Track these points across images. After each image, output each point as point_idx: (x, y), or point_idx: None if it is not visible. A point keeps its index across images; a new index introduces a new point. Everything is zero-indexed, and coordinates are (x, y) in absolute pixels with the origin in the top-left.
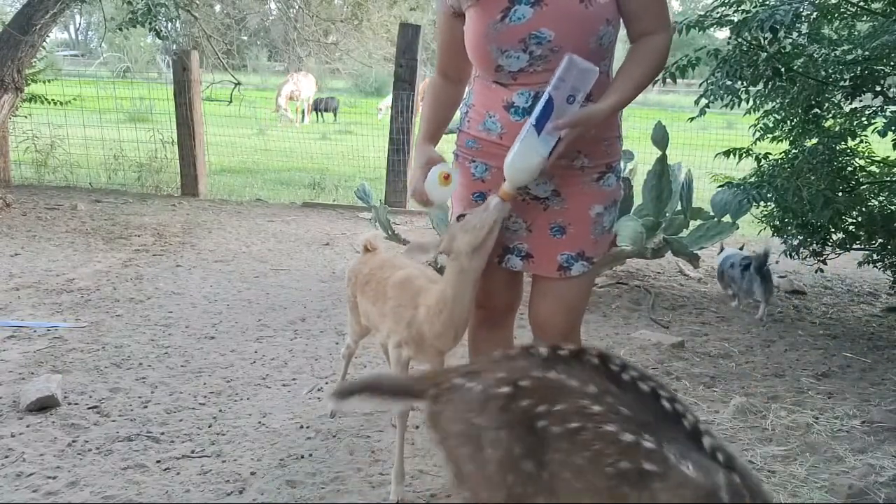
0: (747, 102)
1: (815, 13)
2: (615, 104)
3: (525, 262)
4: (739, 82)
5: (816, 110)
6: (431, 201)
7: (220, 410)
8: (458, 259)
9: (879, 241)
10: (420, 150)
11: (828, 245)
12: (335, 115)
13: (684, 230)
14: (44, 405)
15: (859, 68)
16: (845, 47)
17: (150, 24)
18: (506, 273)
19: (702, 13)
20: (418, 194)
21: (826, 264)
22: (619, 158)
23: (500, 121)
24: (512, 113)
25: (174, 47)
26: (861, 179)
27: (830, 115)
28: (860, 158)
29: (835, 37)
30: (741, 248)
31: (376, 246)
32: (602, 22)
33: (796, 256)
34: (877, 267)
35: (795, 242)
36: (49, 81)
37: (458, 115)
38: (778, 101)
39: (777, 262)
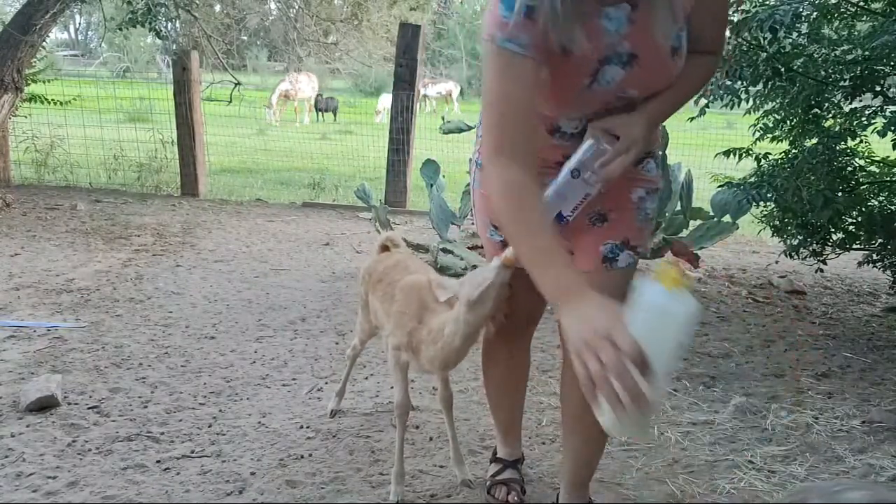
0: (747, 102)
1: (815, 13)
2: (652, 115)
3: None
4: (739, 82)
5: (816, 110)
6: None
7: (220, 410)
8: (460, 307)
9: (879, 241)
10: (584, 291)
11: (828, 245)
12: (335, 115)
13: (684, 230)
14: (44, 405)
15: (859, 68)
16: (845, 47)
17: (150, 24)
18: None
19: None
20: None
21: (826, 264)
22: (658, 146)
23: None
24: (557, 137)
25: (174, 47)
26: (861, 179)
27: (830, 115)
28: (860, 158)
29: (835, 37)
30: None
31: (399, 244)
32: (679, 70)
33: (796, 256)
34: (877, 267)
35: (795, 242)
36: (49, 81)
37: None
38: (778, 101)
39: (777, 262)
